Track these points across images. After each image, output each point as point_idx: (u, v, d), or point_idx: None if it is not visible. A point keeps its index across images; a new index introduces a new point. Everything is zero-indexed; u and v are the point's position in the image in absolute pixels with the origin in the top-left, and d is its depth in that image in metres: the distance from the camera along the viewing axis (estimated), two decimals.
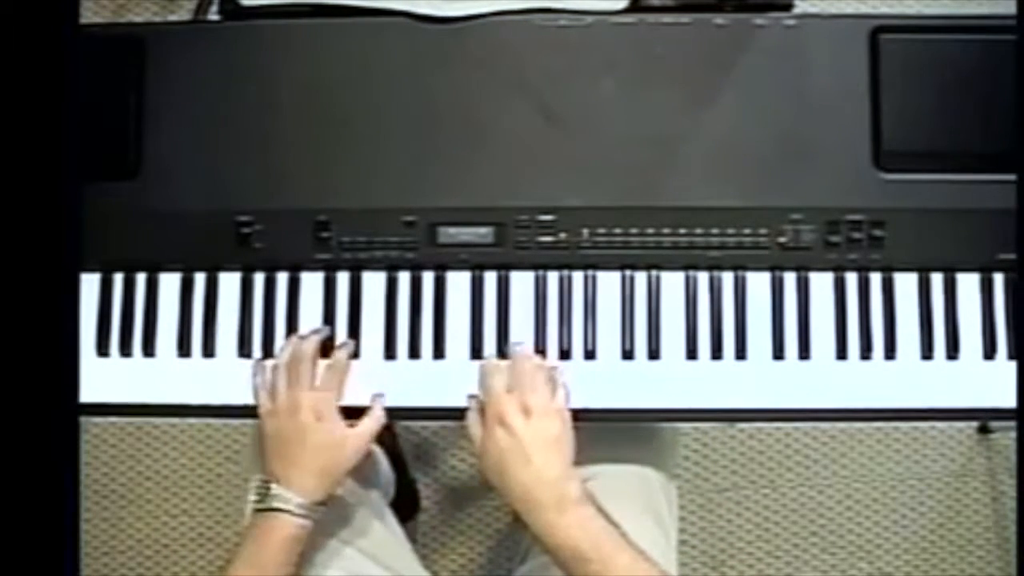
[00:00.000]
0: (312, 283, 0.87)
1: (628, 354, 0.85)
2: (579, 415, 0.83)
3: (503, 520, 1.46)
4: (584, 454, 0.89)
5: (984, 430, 1.49)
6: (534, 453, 0.77)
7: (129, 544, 1.49)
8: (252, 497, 0.81)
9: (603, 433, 0.91)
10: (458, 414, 0.84)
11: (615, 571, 0.74)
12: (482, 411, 0.81)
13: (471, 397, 0.84)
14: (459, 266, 0.86)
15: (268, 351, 0.87)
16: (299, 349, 0.84)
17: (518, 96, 0.86)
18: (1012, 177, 0.84)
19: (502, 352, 0.85)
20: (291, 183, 0.87)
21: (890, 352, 0.85)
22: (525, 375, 0.80)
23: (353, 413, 0.83)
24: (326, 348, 0.86)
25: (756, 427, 1.48)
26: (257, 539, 0.79)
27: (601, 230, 0.86)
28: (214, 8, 1.01)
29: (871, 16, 1.06)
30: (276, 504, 0.79)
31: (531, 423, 0.77)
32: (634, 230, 0.85)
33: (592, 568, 0.74)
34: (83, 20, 0.80)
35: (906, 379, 0.85)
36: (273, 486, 0.80)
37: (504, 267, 0.86)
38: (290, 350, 0.84)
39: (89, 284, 0.88)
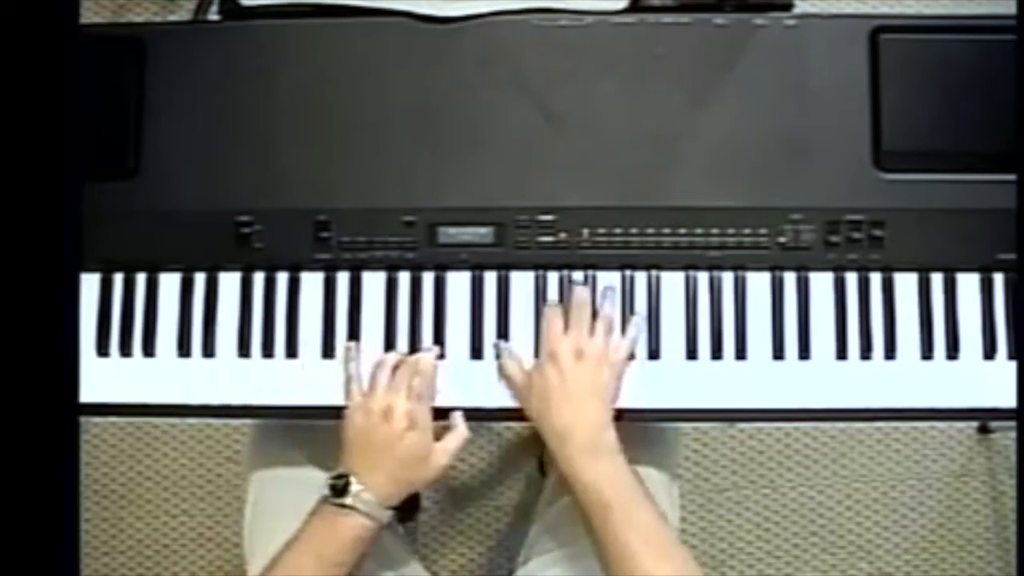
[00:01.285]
0: (312, 283, 0.87)
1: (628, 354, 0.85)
2: None
3: (503, 520, 1.46)
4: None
5: (984, 430, 1.49)
6: (578, 394, 0.78)
7: (129, 544, 1.49)
8: (324, 490, 0.79)
9: None
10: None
11: (635, 522, 0.75)
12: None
13: (497, 343, 0.84)
14: (459, 266, 0.86)
15: (268, 351, 0.87)
16: (408, 359, 0.84)
17: (518, 96, 0.86)
18: (1012, 177, 0.84)
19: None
20: (291, 183, 0.87)
21: (890, 352, 0.85)
22: (583, 321, 0.81)
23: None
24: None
25: (756, 427, 1.48)
26: (324, 531, 0.78)
27: (601, 230, 0.86)
28: (214, 8, 1.02)
29: (871, 16, 1.06)
30: (352, 502, 0.78)
31: (581, 365, 0.79)
32: (634, 230, 0.85)
33: (613, 516, 0.75)
34: (83, 20, 0.80)
35: (906, 379, 0.85)
36: (353, 482, 0.79)
37: (504, 267, 0.86)
38: (397, 355, 0.84)
39: (89, 284, 0.88)
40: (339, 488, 0.79)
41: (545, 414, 0.79)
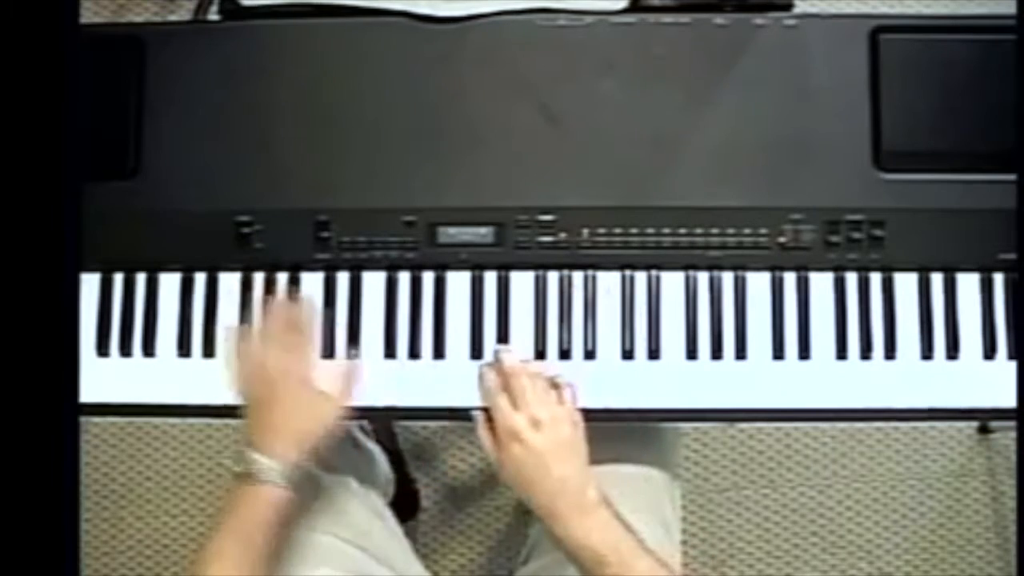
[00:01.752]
0: (312, 283, 0.87)
1: (628, 354, 0.85)
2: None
3: (503, 520, 1.46)
4: (588, 454, 0.89)
5: (984, 430, 1.49)
6: (552, 463, 0.78)
7: (129, 544, 1.49)
8: (233, 467, 0.80)
9: (607, 433, 0.91)
10: (458, 414, 0.84)
11: (632, 574, 0.75)
12: (491, 424, 0.81)
13: (474, 410, 0.83)
14: (459, 266, 0.86)
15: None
16: (270, 316, 0.84)
17: (518, 96, 0.86)
18: (1012, 177, 0.84)
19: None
20: (291, 183, 0.87)
21: (890, 352, 0.85)
22: (525, 391, 0.80)
23: (365, 414, 0.84)
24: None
25: (756, 427, 1.48)
26: (237, 508, 0.78)
27: (601, 230, 0.86)
28: (214, 8, 1.01)
29: (871, 16, 1.06)
30: (253, 470, 0.77)
31: (544, 434, 0.78)
32: (634, 230, 0.85)
33: (611, 571, 0.75)
34: (83, 20, 0.80)
35: (906, 379, 0.85)
36: (249, 452, 0.78)
37: (504, 267, 0.86)
38: (261, 318, 0.85)
39: (89, 284, 0.88)
40: (238, 461, 0.79)
41: (527, 491, 0.79)
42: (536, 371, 0.82)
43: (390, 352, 0.86)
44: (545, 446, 0.78)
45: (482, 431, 0.82)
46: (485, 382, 0.82)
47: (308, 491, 0.84)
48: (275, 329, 0.83)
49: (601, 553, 0.75)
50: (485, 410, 0.82)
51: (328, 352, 0.86)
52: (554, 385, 0.82)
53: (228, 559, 0.76)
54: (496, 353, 0.83)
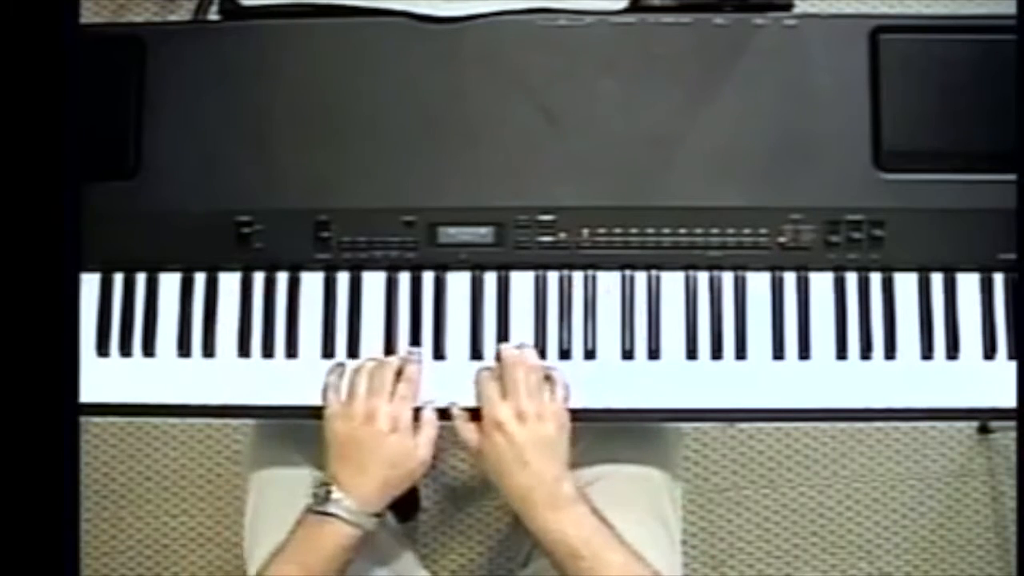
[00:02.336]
0: (312, 283, 0.87)
1: (628, 354, 0.85)
2: (579, 415, 0.83)
3: (503, 520, 1.46)
4: (588, 454, 0.89)
5: (984, 430, 1.49)
6: (531, 457, 0.78)
7: (129, 544, 1.49)
8: (308, 499, 0.80)
9: (607, 433, 0.91)
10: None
11: (607, 568, 0.75)
12: (473, 417, 0.82)
13: (451, 404, 0.84)
14: (459, 266, 0.86)
15: (268, 351, 0.87)
16: (386, 359, 0.84)
17: (518, 96, 0.86)
18: (1012, 177, 0.84)
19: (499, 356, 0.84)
20: (291, 183, 0.87)
21: (890, 352, 0.85)
22: (518, 382, 0.80)
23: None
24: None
25: (756, 427, 1.48)
26: (308, 541, 0.79)
27: (601, 230, 0.86)
28: (214, 8, 1.02)
29: (871, 16, 1.06)
30: (335, 510, 0.78)
31: (527, 427, 0.79)
32: (634, 230, 0.85)
33: (584, 564, 0.75)
34: (83, 20, 0.80)
35: (906, 379, 0.85)
36: (335, 491, 0.79)
37: (504, 267, 0.86)
38: (375, 361, 0.84)
39: (89, 284, 0.88)
40: (321, 497, 0.79)
41: (503, 481, 0.80)
42: (534, 365, 0.82)
43: (390, 352, 0.86)
44: (526, 440, 0.78)
45: (461, 423, 0.83)
46: (479, 375, 0.83)
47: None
48: (386, 372, 0.82)
49: (574, 546, 0.76)
50: (470, 410, 0.83)
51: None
52: (548, 380, 0.82)
53: None
54: (498, 349, 0.84)
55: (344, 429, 0.81)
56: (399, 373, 0.83)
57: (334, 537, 0.78)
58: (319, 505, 0.79)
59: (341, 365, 0.85)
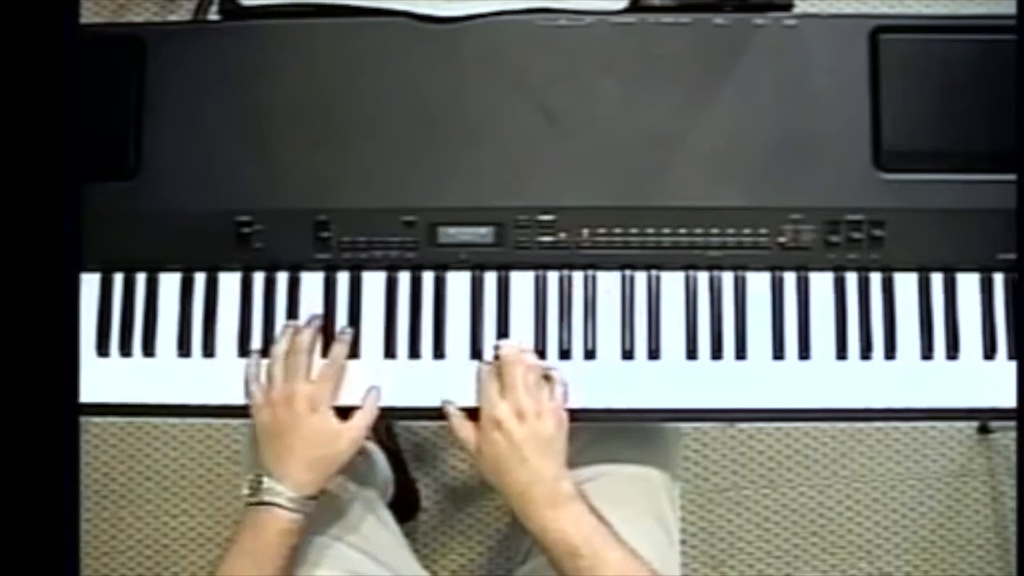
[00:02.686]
0: (312, 283, 0.87)
1: (628, 354, 0.85)
2: (579, 415, 0.83)
3: (503, 520, 1.46)
4: (587, 454, 0.89)
5: (984, 430, 1.49)
6: (529, 455, 0.78)
7: (129, 544, 1.49)
8: (244, 491, 0.81)
9: (606, 433, 0.91)
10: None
11: (605, 567, 0.76)
12: (469, 415, 0.82)
13: (445, 402, 0.84)
14: (459, 266, 0.86)
15: (268, 350, 0.86)
16: (297, 340, 0.84)
17: (518, 96, 0.86)
18: (1012, 177, 0.84)
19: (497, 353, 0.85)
20: (291, 183, 0.87)
21: (890, 352, 0.85)
22: (516, 380, 0.80)
23: (349, 413, 0.83)
24: (325, 337, 0.86)
25: (756, 427, 1.48)
26: (250, 532, 0.79)
27: (601, 230, 0.86)
28: (214, 8, 1.02)
29: (871, 16, 1.06)
30: (267, 498, 0.79)
31: (525, 426, 0.79)
32: (634, 230, 0.85)
33: (583, 563, 0.76)
34: (83, 20, 0.80)
35: (906, 379, 0.85)
36: (265, 479, 0.80)
37: (504, 267, 0.86)
38: (286, 341, 0.84)
39: (89, 284, 0.88)
40: (254, 488, 0.80)
41: (501, 479, 0.80)
42: (533, 363, 0.82)
43: (390, 352, 0.86)
44: (524, 437, 0.79)
45: (459, 421, 0.83)
46: (479, 372, 0.83)
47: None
48: (299, 355, 0.83)
49: (574, 545, 0.76)
50: (467, 410, 0.83)
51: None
52: (547, 379, 0.82)
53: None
54: (496, 348, 0.84)
55: (267, 417, 0.82)
56: (312, 350, 0.83)
57: (273, 524, 0.79)
58: (253, 496, 0.80)
59: (257, 354, 0.85)
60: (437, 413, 0.85)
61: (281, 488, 0.79)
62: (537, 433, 0.79)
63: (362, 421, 0.83)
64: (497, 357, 0.83)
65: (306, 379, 0.82)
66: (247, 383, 0.84)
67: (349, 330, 0.85)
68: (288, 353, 0.83)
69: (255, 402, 0.83)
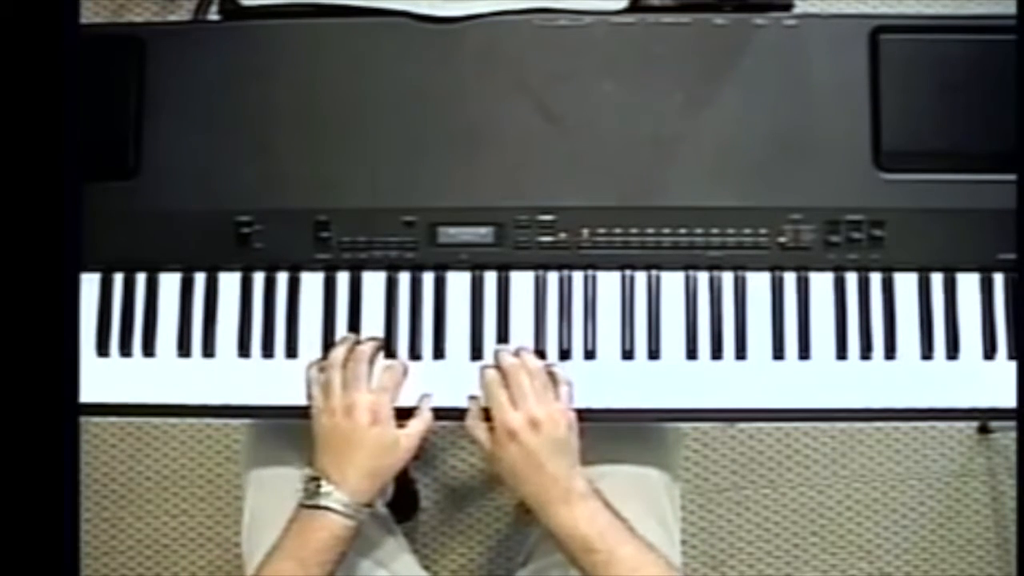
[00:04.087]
0: (312, 283, 0.87)
1: (628, 354, 0.85)
2: (579, 415, 0.83)
3: (503, 520, 1.46)
4: (587, 454, 0.89)
5: (984, 430, 1.49)
6: (546, 460, 0.79)
7: (129, 544, 1.49)
8: (298, 491, 0.81)
9: (606, 433, 0.91)
10: (458, 414, 0.84)
11: (620, 561, 0.76)
12: (486, 416, 0.82)
13: (471, 399, 0.84)
14: (459, 266, 0.86)
15: (268, 351, 0.87)
16: (358, 350, 0.84)
17: (518, 96, 0.86)
18: (1012, 177, 0.84)
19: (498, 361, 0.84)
20: (291, 183, 0.87)
21: (890, 352, 0.85)
22: (525, 387, 0.81)
23: (401, 414, 0.83)
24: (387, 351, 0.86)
25: (756, 427, 1.48)
26: (299, 536, 0.79)
27: (601, 230, 0.86)
28: (214, 8, 1.02)
29: (871, 16, 1.06)
30: (325, 502, 0.79)
31: (540, 434, 0.79)
32: (634, 230, 0.85)
33: (599, 558, 0.76)
34: (83, 20, 0.80)
35: (906, 379, 0.85)
36: (324, 484, 0.79)
37: (504, 267, 0.86)
38: (345, 349, 0.84)
39: (89, 284, 0.88)
40: (311, 491, 0.80)
41: (519, 486, 0.80)
42: (536, 368, 0.82)
43: (390, 352, 0.86)
44: (540, 446, 0.79)
45: (473, 422, 0.83)
46: (486, 378, 0.83)
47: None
48: (360, 364, 0.83)
49: (589, 540, 0.77)
50: (484, 409, 0.83)
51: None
52: (551, 376, 0.82)
53: None
54: (496, 353, 0.84)
55: (327, 423, 0.81)
56: (373, 360, 0.84)
57: (327, 529, 0.79)
58: (310, 499, 0.80)
59: (318, 360, 0.85)
60: (437, 413, 0.85)
61: (339, 494, 0.79)
62: (551, 439, 0.79)
63: (418, 429, 0.83)
64: (498, 365, 0.83)
65: (367, 389, 0.82)
66: (308, 385, 0.84)
67: (379, 338, 0.85)
68: (349, 362, 0.83)
69: (315, 405, 0.83)
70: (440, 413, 0.85)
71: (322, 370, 0.83)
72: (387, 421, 0.81)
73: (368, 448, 0.80)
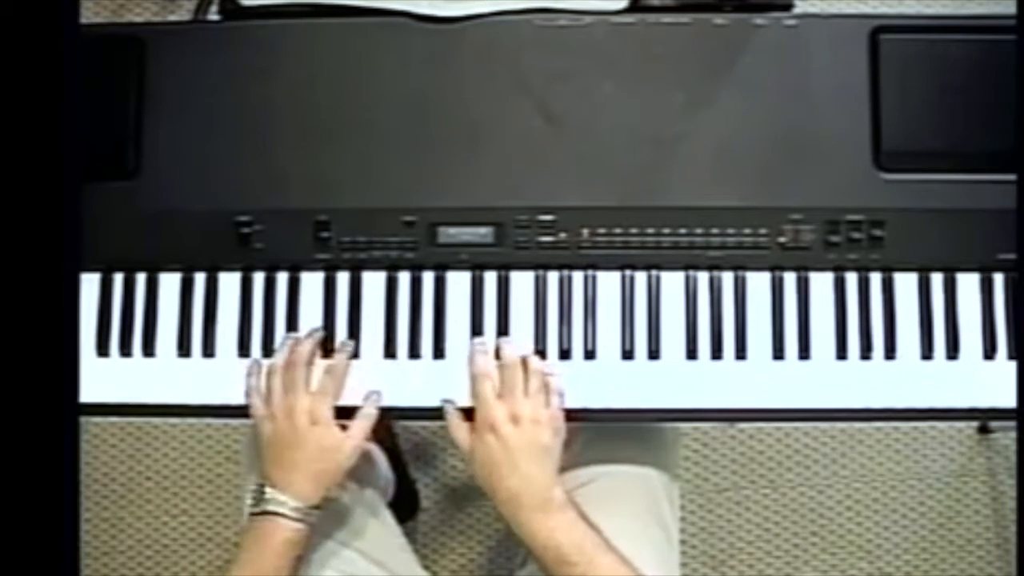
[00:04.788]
0: (312, 283, 0.87)
1: (628, 354, 0.85)
2: (579, 415, 0.83)
3: (503, 520, 1.46)
4: (586, 454, 0.89)
5: (984, 430, 1.49)
6: (522, 461, 0.78)
7: (129, 544, 1.49)
8: (248, 501, 0.81)
9: (605, 433, 0.91)
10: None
11: (597, 572, 0.75)
12: (465, 416, 0.82)
13: (445, 402, 0.84)
14: (459, 266, 0.86)
15: (268, 351, 0.87)
16: (296, 352, 0.83)
17: (518, 96, 0.86)
18: (1012, 177, 0.84)
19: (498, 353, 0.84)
20: (291, 183, 0.87)
21: (890, 352, 0.85)
22: (516, 382, 0.80)
23: (347, 413, 0.83)
24: (325, 347, 0.86)
25: (756, 427, 1.48)
26: (254, 543, 0.80)
27: (601, 230, 0.86)
28: (214, 8, 1.01)
29: (871, 16, 1.06)
30: (271, 508, 0.79)
31: (521, 431, 0.79)
32: (634, 230, 0.85)
33: (575, 571, 0.75)
34: (83, 20, 0.80)
35: (906, 379, 0.85)
36: (268, 490, 0.80)
37: (504, 267, 0.86)
38: (285, 353, 0.84)
39: (89, 284, 0.88)
40: (258, 498, 0.80)
41: (492, 483, 0.80)
42: (535, 369, 0.82)
43: (390, 352, 0.86)
44: (518, 443, 0.78)
45: (453, 421, 0.83)
46: (476, 366, 0.82)
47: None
48: (298, 368, 0.82)
49: (565, 552, 0.76)
50: (465, 410, 0.83)
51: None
52: (544, 385, 0.82)
53: None
54: (499, 346, 0.83)
55: (267, 428, 0.82)
56: (311, 362, 0.84)
57: (277, 534, 0.79)
58: (257, 506, 0.80)
59: (257, 363, 0.85)
60: (437, 413, 0.85)
61: (284, 498, 0.79)
62: (533, 441, 0.79)
63: (361, 429, 0.83)
64: (498, 356, 0.83)
65: (306, 392, 0.82)
66: (248, 394, 0.84)
67: (350, 342, 0.85)
68: (287, 365, 0.83)
69: (256, 413, 0.83)
70: (440, 413, 0.85)
71: (259, 375, 0.84)
72: (327, 423, 0.81)
73: (310, 450, 0.80)
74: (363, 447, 0.84)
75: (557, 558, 0.76)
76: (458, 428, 0.82)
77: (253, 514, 0.81)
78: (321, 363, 0.84)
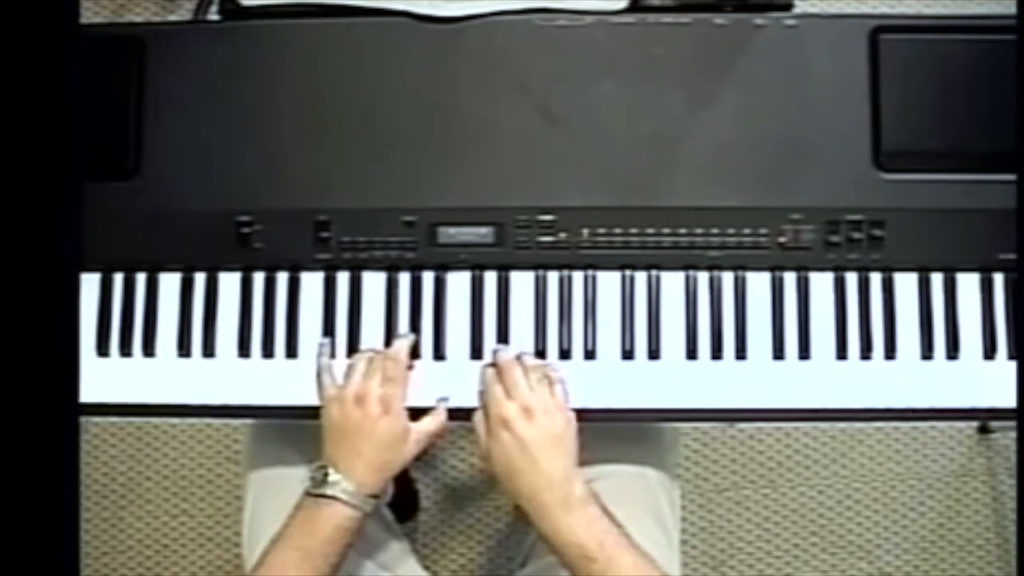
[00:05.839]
0: (312, 283, 0.87)
1: (628, 354, 0.85)
2: (579, 415, 0.83)
3: (503, 520, 1.46)
4: (585, 454, 0.88)
5: (984, 430, 1.49)
6: (540, 455, 0.77)
7: (129, 544, 1.49)
8: (304, 481, 0.80)
9: (604, 433, 0.91)
10: (458, 414, 0.84)
11: (619, 570, 0.75)
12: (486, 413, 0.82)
13: (440, 400, 0.84)
14: (459, 266, 0.86)
15: (268, 351, 0.87)
16: (394, 345, 0.84)
17: (518, 96, 0.86)
18: (1012, 177, 0.84)
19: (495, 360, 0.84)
20: (291, 183, 0.87)
21: (890, 352, 0.85)
22: (518, 380, 0.80)
23: (414, 415, 0.83)
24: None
25: (756, 427, 1.48)
26: (304, 526, 0.78)
27: (601, 230, 0.86)
28: (214, 8, 1.02)
29: (871, 16, 1.06)
30: (332, 492, 0.78)
31: (534, 424, 0.78)
32: (634, 230, 0.85)
33: (596, 567, 0.75)
34: (83, 20, 0.80)
35: (906, 379, 0.85)
36: (331, 472, 0.79)
37: (504, 267, 0.86)
38: (370, 348, 0.84)
39: (89, 284, 0.88)
40: (319, 479, 0.79)
41: (511, 480, 0.79)
42: (531, 364, 0.82)
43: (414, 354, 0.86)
44: (535, 437, 0.78)
45: (479, 417, 0.82)
46: (484, 375, 0.83)
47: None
48: (390, 360, 0.82)
49: (587, 548, 0.75)
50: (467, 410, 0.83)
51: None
52: (545, 377, 0.82)
53: (290, 571, 0.77)
54: (494, 352, 0.84)
55: (338, 413, 0.81)
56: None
57: (333, 519, 0.78)
58: (316, 488, 0.79)
59: (323, 346, 0.85)
60: (447, 413, 0.84)
61: (346, 483, 0.78)
62: (547, 431, 0.78)
63: (431, 426, 0.83)
64: (495, 363, 0.83)
65: (380, 381, 0.81)
66: (319, 373, 0.84)
67: (411, 335, 0.85)
68: (374, 356, 0.83)
69: (327, 393, 0.82)
70: (450, 413, 0.84)
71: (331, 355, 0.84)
72: (399, 413, 0.81)
73: (378, 440, 0.80)
74: (426, 444, 0.83)
75: (579, 555, 0.75)
76: (481, 423, 0.82)
77: (311, 495, 0.79)
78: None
